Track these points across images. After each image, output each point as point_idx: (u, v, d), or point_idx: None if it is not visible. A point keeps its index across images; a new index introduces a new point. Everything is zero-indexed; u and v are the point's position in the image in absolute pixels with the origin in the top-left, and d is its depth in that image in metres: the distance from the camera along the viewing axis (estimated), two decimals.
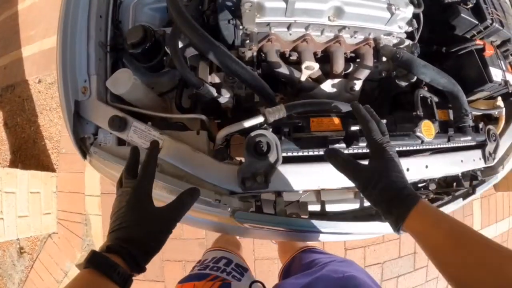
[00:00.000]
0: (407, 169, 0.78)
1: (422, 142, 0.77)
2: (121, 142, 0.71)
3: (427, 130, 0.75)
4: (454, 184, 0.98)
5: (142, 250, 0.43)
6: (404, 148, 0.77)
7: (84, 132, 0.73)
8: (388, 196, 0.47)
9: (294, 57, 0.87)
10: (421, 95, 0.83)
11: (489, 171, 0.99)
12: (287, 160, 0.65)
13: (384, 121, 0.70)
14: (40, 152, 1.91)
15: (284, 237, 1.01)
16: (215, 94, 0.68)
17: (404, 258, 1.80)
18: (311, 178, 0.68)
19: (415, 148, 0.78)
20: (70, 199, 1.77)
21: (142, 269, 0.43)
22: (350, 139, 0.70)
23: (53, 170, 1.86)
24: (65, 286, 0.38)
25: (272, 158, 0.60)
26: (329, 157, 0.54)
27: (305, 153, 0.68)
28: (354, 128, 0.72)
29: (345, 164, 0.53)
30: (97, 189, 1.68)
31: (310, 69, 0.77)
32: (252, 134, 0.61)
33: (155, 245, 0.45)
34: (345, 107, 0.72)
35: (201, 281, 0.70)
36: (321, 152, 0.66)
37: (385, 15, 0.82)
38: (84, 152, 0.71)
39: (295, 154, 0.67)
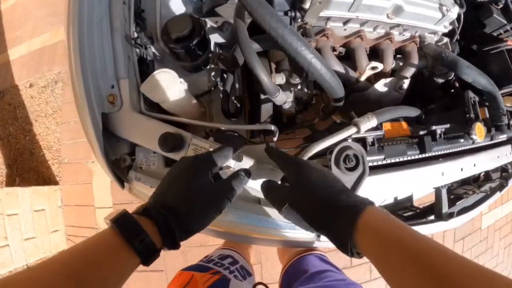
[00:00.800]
0: (461, 169, 0.71)
1: (473, 142, 0.71)
2: (168, 161, 0.49)
3: (479, 132, 0.67)
4: (481, 177, 0.94)
5: (182, 223, 0.33)
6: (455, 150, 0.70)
7: (116, 152, 0.51)
8: (322, 209, 0.32)
9: (337, 52, 0.72)
10: (471, 97, 0.73)
11: None
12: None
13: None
14: (39, 164, 1.55)
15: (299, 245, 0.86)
16: (287, 101, 0.49)
17: None
18: (393, 186, 0.58)
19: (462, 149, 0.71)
20: (78, 213, 1.46)
21: (176, 245, 0.33)
22: (423, 145, 0.62)
23: (55, 183, 1.51)
24: (85, 240, 0.30)
25: (358, 171, 0.48)
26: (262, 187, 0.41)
27: (384, 162, 0.57)
28: (422, 132, 0.64)
29: (269, 189, 0.39)
30: (108, 200, 1.39)
31: (375, 69, 0.60)
32: (340, 146, 0.45)
33: (199, 221, 0.35)
34: (414, 112, 0.65)
35: (201, 273, 0.59)
36: (401, 159, 0.59)
37: (438, 15, 0.74)
38: (120, 179, 0.48)
39: (375, 163, 0.56)
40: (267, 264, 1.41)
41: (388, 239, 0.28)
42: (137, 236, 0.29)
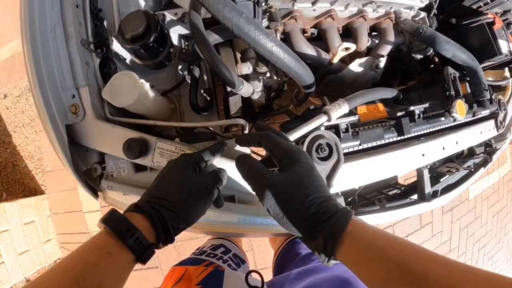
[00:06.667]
0: (443, 148, 0.70)
1: (454, 120, 0.71)
2: (138, 166, 0.50)
3: (460, 109, 0.68)
4: (465, 151, 0.94)
5: (175, 214, 0.35)
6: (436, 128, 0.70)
7: (85, 162, 0.52)
8: (307, 215, 0.31)
9: (308, 33, 0.71)
10: (451, 73, 0.74)
11: (499, 138, 0.95)
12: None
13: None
14: (23, 175, 1.57)
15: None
16: (253, 92, 0.49)
17: (411, 217, 1.77)
18: (371, 171, 0.57)
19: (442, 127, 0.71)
20: (68, 220, 1.49)
21: (170, 238, 0.34)
22: (401, 127, 0.61)
23: (42, 192, 1.54)
24: (84, 243, 0.31)
25: (333, 159, 0.48)
26: (237, 162, 0.39)
27: (360, 147, 0.57)
28: (400, 113, 0.64)
29: (252, 171, 0.36)
30: (95, 204, 1.41)
31: (348, 50, 0.60)
32: (311, 136, 0.46)
33: (191, 212, 0.36)
34: (390, 93, 0.64)
35: (194, 266, 0.61)
36: (378, 143, 0.58)
37: None
38: (93, 189, 0.49)
39: (351, 150, 0.56)
40: (259, 250, 1.47)
41: (372, 250, 0.28)
42: (127, 231, 0.30)
